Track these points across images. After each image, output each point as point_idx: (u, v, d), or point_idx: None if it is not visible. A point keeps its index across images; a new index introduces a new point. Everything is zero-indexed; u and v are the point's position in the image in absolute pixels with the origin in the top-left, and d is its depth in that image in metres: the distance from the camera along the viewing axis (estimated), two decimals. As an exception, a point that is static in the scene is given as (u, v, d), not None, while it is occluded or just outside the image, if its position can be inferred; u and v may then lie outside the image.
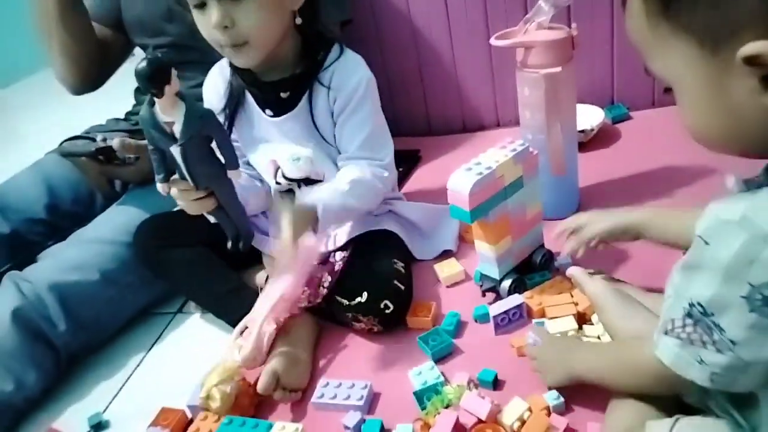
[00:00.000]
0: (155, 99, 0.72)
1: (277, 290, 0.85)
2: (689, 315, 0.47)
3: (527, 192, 0.89)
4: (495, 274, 0.89)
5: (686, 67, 0.44)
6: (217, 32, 0.84)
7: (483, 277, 0.92)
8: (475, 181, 0.80)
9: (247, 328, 0.85)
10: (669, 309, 0.50)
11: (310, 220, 0.84)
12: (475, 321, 0.89)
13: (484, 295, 0.92)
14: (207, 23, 0.85)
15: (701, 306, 0.45)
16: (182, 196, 0.81)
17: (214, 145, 0.79)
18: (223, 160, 0.79)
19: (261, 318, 0.83)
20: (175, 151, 0.75)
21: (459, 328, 0.88)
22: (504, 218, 0.86)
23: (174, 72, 0.70)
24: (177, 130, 0.73)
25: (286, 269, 0.83)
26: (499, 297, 0.90)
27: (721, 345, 0.45)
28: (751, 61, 0.40)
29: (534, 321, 0.84)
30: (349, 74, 0.92)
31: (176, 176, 0.79)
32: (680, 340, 0.48)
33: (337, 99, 0.92)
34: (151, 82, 0.69)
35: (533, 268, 0.93)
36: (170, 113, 0.72)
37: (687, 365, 0.49)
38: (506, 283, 0.89)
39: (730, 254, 0.43)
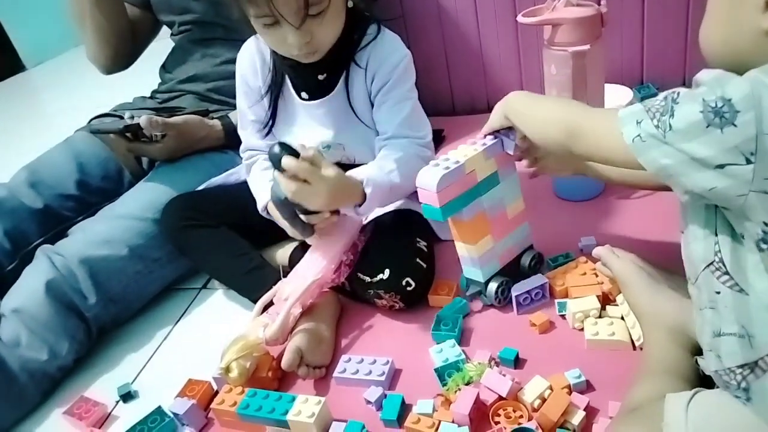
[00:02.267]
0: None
1: (310, 274, 0.86)
2: (665, 98, 0.52)
3: (505, 188, 0.84)
4: (479, 276, 0.85)
5: None
6: (293, 48, 0.83)
7: (469, 281, 0.88)
8: (442, 175, 0.75)
9: (272, 304, 0.87)
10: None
11: (356, 195, 0.84)
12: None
13: (470, 300, 0.88)
14: (279, 40, 0.84)
15: (675, 95, 0.51)
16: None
17: None
18: None
19: (291, 300, 0.84)
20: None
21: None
22: (481, 216, 0.82)
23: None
24: None
25: (325, 239, 0.87)
26: (485, 306, 0.87)
27: (662, 123, 0.51)
28: None
29: (557, 301, 0.84)
30: (387, 54, 0.91)
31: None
32: (643, 106, 0.53)
33: (375, 79, 0.92)
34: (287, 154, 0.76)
35: (522, 272, 0.88)
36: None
37: (629, 121, 0.53)
38: (492, 286, 0.85)
39: (711, 76, 0.51)
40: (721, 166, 0.48)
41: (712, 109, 0.47)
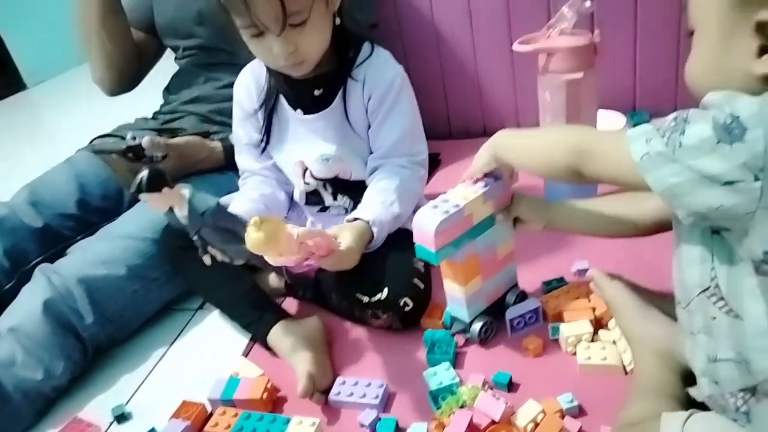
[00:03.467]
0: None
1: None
2: (675, 118, 0.51)
3: (498, 231, 0.84)
4: (464, 316, 0.84)
5: (715, 13, 0.52)
6: (279, 59, 0.86)
7: (453, 319, 0.88)
8: (441, 219, 0.75)
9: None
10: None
11: (367, 238, 0.88)
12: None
13: (453, 336, 0.87)
14: (265, 50, 0.86)
15: (686, 115, 0.51)
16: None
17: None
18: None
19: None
20: (196, 239, 0.78)
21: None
22: (473, 258, 0.82)
23: (167, 177, 0.73)
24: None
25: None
26: (469, 342, 0.87)
27: (672, 141, 0.50)
28: (761, 26, 0.48)
29: (550, 325, 0.85)
30: (382, 71, 0.94)
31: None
32: (653, 126, 0.53)
33: (372, 96, 0.94)
34: (149, 190, 0.72)
35: (506, 311, 0.87)
36: (182, 208, 0.75)
37: (638, 139, 0.53)
38: (476, 326, 0.84)
39: (719, 96, 0.49)
40: (729, 183, 0.47)
41: (722, 126, 0.47)
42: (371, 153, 0.99)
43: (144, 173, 0.72)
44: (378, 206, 0.91)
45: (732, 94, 0.49)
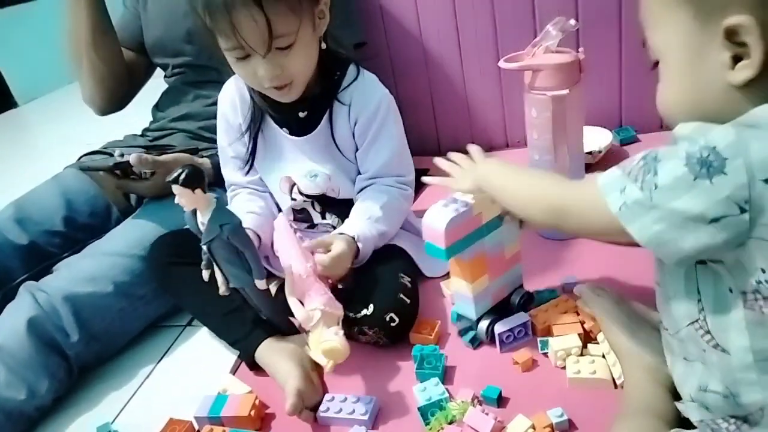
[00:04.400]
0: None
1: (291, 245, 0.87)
2: (644, 158, 0.50)
3: (505, 231, 0.85)
4: (471, 314, 0.86)
5: (677, 38, 0.51)
6: (264, 81, 0.87)
7: (459, 317, 0.89)
8: (452, 217, 0.77)
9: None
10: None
11: (353, 252, 0.90)
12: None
13: (460, 335, 0.89)
14: (251, 73, 0.87)
15: (655, 154, 0.49)
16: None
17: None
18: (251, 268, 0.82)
19: (288, 290, 0.83)
20: (205, 249, 0.80)
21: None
22: (481, 257, 0.83)
23: (206, 180, 0.76)
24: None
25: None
26: (475, 339, 0.88)
27: (646, 184, 0.49)
28: (730, 34, 0.47)
29: (539, 339, 0.85)
30: (369, 94, 0.95)
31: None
32: (622, 171, 0.52)
33: (359, 120, 0.95)
34: (184, 185, 0.75)
35: (511, 310, 0.89)
36: (204, 214, 0.78)
37: (611, 189, 0.52)
38: (483, 324, 0.86)
39: (691, 128, 0.49)
40: (715, 220, 0.45)
41: (698, 160, 0.45)
42: (359, 174, 1.00)
43: (186, 169, 0.75)
44: (363, 222, 0.92)
45: (703, 125, 0.47)
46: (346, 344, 0.78)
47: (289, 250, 0.86)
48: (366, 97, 0.95)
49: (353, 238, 0.90)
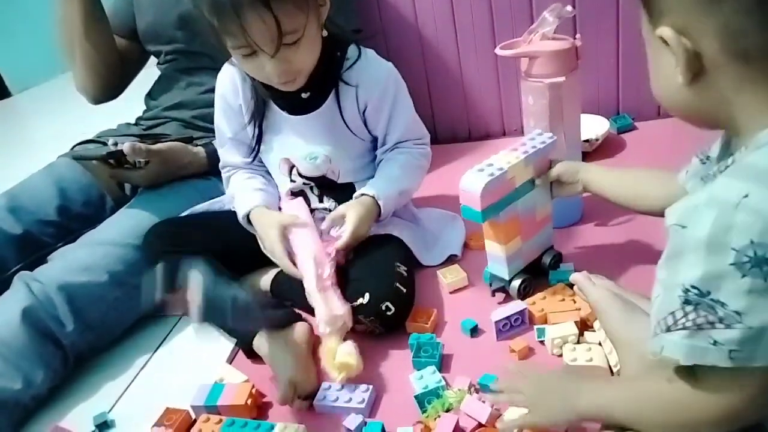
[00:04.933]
0: None
1: (306, 254, 0.90)
2: (687, 302, 0.46)
3: (537, 194, 0.90)
4: (504, 274, 0.90)
5: (647, 35, 0.53)
6: (272, 77, 0.87)
7: (492, 276, 0.93)
8: (488, 181, 0.81)
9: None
10: (662, 305, 0.49)
11: (375, 212, 0.95)
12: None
13: (493, 294, 0.93)
14: (257, 69, 0.87)
15: (695, 288, 0.45)
16: None
17: None
18: None
19: (313, 285, 0.86)
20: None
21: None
22: (514, 219, 0.88)
23: None
24: None
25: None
26: (509, 297, 0.92)
27: (729, 319, 0.44)
28: (665, 41, 0.49)
29: (536, 327, 0.85)
30: (375, 74, 0.96)
31: None
32: (687, 330, 0.46)
33: (371, 101, 0.97)
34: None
35: (543, 270, 0.94)
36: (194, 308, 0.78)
37: (703, 353, 0.46)
38: (516, 283, 0.90)
39: (707, 228, 0.44)
40: None
41: (751, 263, 0.42)
42: (375, 148, 1.02)
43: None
44: (382, 182, 0.96)
45: (691, 208, 0.45)
46: (361, 361, 0.81)
47: (311, 246, 0.90)
48: (373, 76, 0.96)
49: (372, 197, 0.94)
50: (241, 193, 1.02)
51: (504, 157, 0.86)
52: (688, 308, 0.46)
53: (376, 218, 0.96)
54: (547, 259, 0.94)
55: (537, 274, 0.92)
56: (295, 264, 0.91)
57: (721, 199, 0.44)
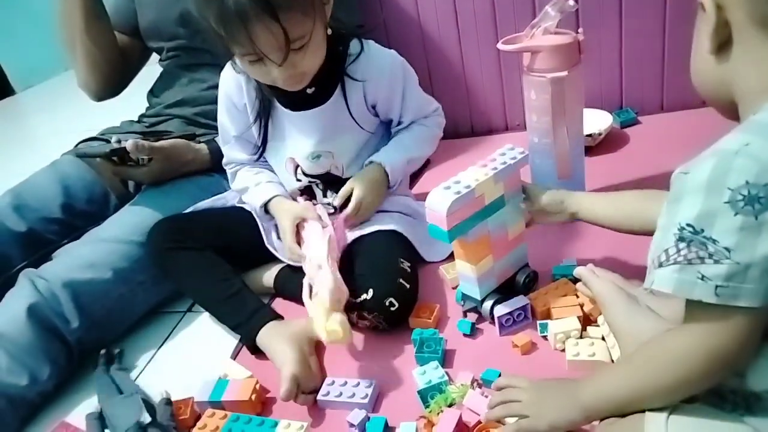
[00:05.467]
0: None
1: (319, 235, 0.92)
2: (681, 239, 0.48)
3: (509, 211, 0.86)
4: (476, 294, 0.86)
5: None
6: (278, 82, 0.87)
7: (464, 296, 0.89)
8: (453, 200, 0.77)
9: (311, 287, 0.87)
10: (658, 243, 0.50)
11: (384, 180, 0.98)
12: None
13: (465, 315, 0.90)
14: (264, 74, 0.88)
15: (690, 226, 0.47)
16: None
17: None
18: None
19: (324, 258, 0.87)
20: None
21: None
22: (484, 238, 0.84)
23: None
24: None
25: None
26: (481, 317, 0.89)
27: (718, 255, 0.46)
28: (701, 6, 0.52)
29: (538, 322, 0.85)
30: (380, 64, 0.97)
31: None
32: (678, 265, 0.48)
33: (379, 91, 0.98)
34: None
35: (516, 289, 0.90)
36: None
37: (690, 286, 0.48)
38: (488, 304, 0.86)
39: (707, 171, 0.47)
40: None
41: (744, 201, 0.45)
42: (380, 140, 1.04)
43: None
44: (392, 149, 0.99)
45: (689, 167, 0.49)
46: (349, 332, 0.81)
47: (324, 235, 0.92)
48: (379, 69, 0.97)
49: (380, 164, 0.97)
50: (255, 185, 1.03)
51: (472, 174, 0.81)
52: (681, 245, 0.48)
53: (386, 185, 0.99)
54: (521, 278, 0.90)
55: (511, 294, 0.87)
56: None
57: (724, 148, 0.48)
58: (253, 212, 1.04)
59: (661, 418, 0.55)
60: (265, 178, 1.04)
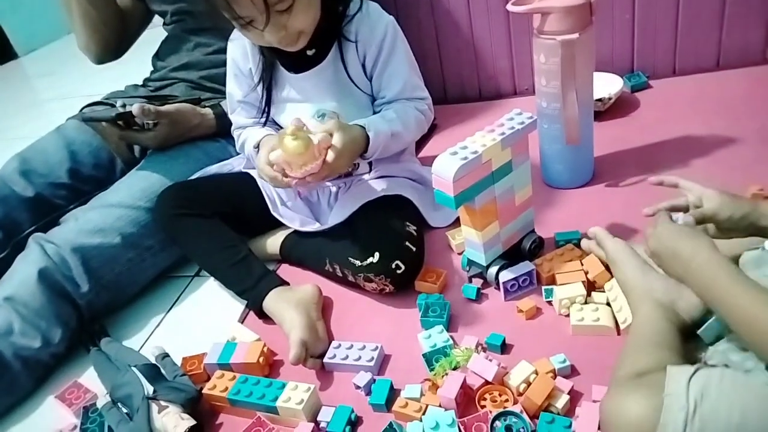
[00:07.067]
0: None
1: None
2: None
3: (516, 177, 0.85)
4: (482, 260, 0.87)
5: None
6: (272, 42, 0.86)
7: (470, 262, 0.89)
8: (460, 165, 0.76)
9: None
10: None
11: (361, 144, 0.90)
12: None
13: (470, 281, 0.90)
14: (257, 36, 0.87)
15: None
16: None
17: None
18: None
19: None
20: None
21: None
22: (491, 204, 0.83)
23: None
24: None
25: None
26: (486, 283, 0.89)
27: None
28: None
29: (544, 288, 0.85)
30: (373, 25, 0.95)
31: None
32: None
33: (367, 52, 0.95)
34: None
35: (522, 255, 0.90)
36: None
37: None
38: (493, 270, 0.86)
39: None
40: None
41: None
42: (374, 101, 1.01)
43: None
44: (377, 118, 0.94)
45: None
46: (300, 146, 0.79)
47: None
48: (371, 29, 0.95)
49: (363, 128, 0.90)
50: (253, 135, 1.02)
51: (479, 140, 0.80)
52: None
53: (361, 151, 0.91)
54: (527, 244, 0.90)
55: (516, 260, 0.87)
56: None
57: None
58: (257, 178, 1.03)
59: (684, 376, 0.55)
60: (264, 131, 1.02)
